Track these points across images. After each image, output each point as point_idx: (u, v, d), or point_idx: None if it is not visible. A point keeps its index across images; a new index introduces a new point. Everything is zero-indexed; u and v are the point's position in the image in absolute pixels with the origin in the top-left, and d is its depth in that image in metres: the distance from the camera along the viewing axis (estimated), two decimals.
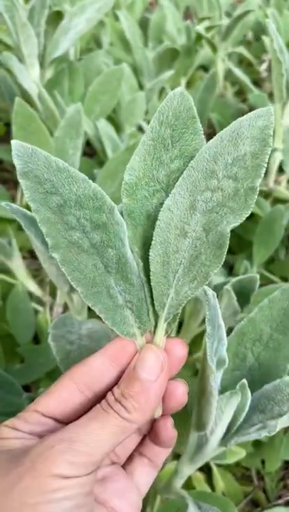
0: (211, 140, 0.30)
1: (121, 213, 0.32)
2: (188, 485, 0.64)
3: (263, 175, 0.30)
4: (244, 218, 0.30)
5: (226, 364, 0.38)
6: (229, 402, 0.37)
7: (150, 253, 0.31)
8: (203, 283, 0.32)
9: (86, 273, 0.31)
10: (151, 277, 0.32)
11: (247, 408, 0.38)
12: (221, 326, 0.36)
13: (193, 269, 0.31)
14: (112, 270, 0.31)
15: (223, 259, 0.31)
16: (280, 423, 0.35)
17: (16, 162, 0.29)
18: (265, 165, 0.30)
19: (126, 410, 0.29)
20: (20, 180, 0.29)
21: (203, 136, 0.31)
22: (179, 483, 0.46)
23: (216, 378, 0.35)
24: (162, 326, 0.32)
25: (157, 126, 0.31)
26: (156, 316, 0.33)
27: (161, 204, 0.31)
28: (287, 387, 0.38)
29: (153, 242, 0.31)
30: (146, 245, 0.32)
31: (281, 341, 0.42)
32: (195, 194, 0.30)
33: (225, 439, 0.40)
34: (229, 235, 0.31)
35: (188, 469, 0.44)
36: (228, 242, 0.31)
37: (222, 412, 0.38)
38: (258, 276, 0.52)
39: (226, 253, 0.31)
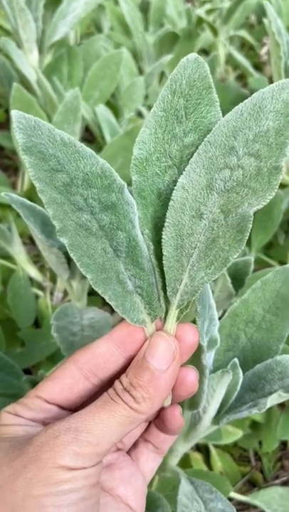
0: (229, 113, 0.27)
1: (130, 192, 0.30)
2: (186, 465, 0.65)
3: (288, 153, 0.27)
4: (268, 200, 0.28)
5: (218, 344, 0.39)
6: (221, 380, 0.38)
7: (163, 236, 0.29)
8: (222, 269, 0.29)
9: (95, 258, 0.29)
10: (163, 261, 0.30)
11: (239, 387, 0.39)
12: (212, 307, 0.37)
13: (210, 253, 0.29)
14: (121, 254, 0.30)
15: (244, 244, 0.29)
16: (270, 401, 0.36)
17: (17, 136, 0.26)
18: None
19: (135, 400, 0.28)
20: (23, 157, 0.27)
21: (219, 108, 0.29)
22: (174, 461, 0.47)
23: (207, 357, 0.36)
24: (174, 312, 0.31)
25: (169, 95, 0.28)
26: (168, 302, 0.31)
27: (174, 182, 0.29)
28: (278, 366, 0.39)
29: (166, 224, 0.29)
30: (157, 227, 0.30)
31: (273, 322, 0.42)
32: (212, 172, 0.28)
33: (218, 417, 0.41)
34: (252, 218, 0.28)
35: (183, 447, 0.45)
36: (250, 226, 0.28)
37: (214, 390, 0.38)
38: (252, 259, 0.52)
39: (247, 237, 0.28)
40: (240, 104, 0.27)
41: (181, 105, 0.28)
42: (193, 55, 0.28)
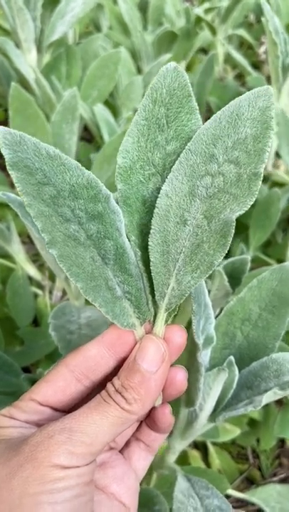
0: (208, 121, 0.28)
1: (116, 200, 0.30)
2: (184, 462, 0.65)
3: (266, 160, 0.28)
4: (249, 206, 0.28)
5: (214, 342, 0.39)
6: (217, 378, 0.38)
7: (149, 242, 0.30)
8: (207, 272, 0.30)
9: (84, 267, 0.29)
10: (151, 267, 0.30)
11: (235, 385, 0.40)
12: (208, 305, 0.37)
13: (196, 258, 0.30)
14: (109, 262, 0.30)
15: (228, 248, 0.29)
16: (266, 398, 0.36)
17: (4, 152, 0.27)
18: (268, 149, 0.28)
19: (126, 402, 0.29)
20: (10, 172, 0.27)
21: (199, 116, 0.29)
22: (171, 458, 0.48)
23: (203, 355, 0.36)
24: (162, 315, 0.31)
25: (150, 104, 0.29)
26: (156, 306, 0.32)
27: (158, 189, 0.30)
28: (274, 364, 0.39)
29: (152, 231, 0.29)
30: (143, 233, 0.31)
31: (270, 320, 0.42)
32: (194, 179, 0.28)
33: (214, 415, 0.41)
34: (234, 224, 0.29)
35: (180, 445, 0.46)
36: (233, 231, 0.29)
37: (210, 388, 0.39)
38: (249, 258, 0.52)
39: (230, 241, 0.29)
40: (219, 112, 0.28)
41: (162, 114, 0.29)
42: (172, 65, 0.28)
